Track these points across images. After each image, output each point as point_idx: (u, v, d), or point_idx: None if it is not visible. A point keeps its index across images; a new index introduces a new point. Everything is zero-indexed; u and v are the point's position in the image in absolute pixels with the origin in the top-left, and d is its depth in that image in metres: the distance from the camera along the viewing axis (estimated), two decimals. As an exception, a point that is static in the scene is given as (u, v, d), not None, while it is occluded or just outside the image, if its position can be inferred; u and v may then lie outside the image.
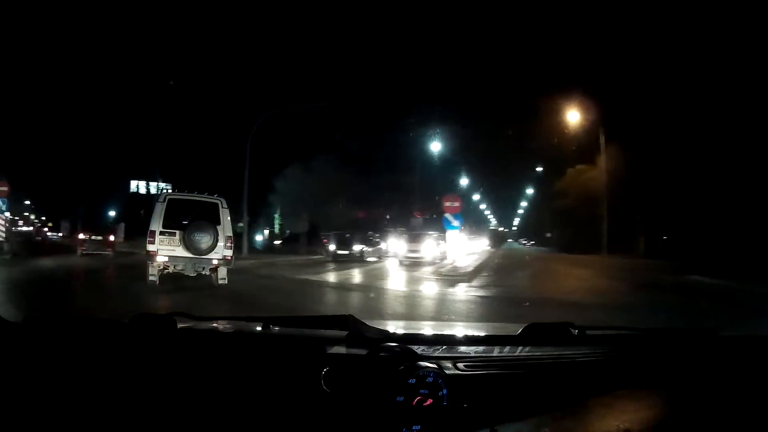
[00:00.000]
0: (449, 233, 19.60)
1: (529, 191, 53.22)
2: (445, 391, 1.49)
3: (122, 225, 30.31)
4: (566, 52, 33.79)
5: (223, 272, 10.88)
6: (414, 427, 1.44)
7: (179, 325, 1.80)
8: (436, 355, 1.68)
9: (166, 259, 10.61)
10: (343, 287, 13.94)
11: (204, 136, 33.92)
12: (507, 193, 54.70)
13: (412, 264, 22.77)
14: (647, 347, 1.90)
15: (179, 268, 10.81)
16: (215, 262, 10.82)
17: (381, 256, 29.03)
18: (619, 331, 2.01)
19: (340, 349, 1.66)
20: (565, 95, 27.51)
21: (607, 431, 1.37)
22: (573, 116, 28.33)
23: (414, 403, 1.47)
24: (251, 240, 35.00)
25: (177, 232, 10.67)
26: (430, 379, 1.50)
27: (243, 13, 34.00)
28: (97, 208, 40.02)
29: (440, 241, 25.31)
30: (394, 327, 2.15)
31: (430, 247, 24.92)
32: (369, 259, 26.88)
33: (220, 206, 11.22)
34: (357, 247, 26.91)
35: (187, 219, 10.79)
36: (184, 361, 1.62)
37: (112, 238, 23.10)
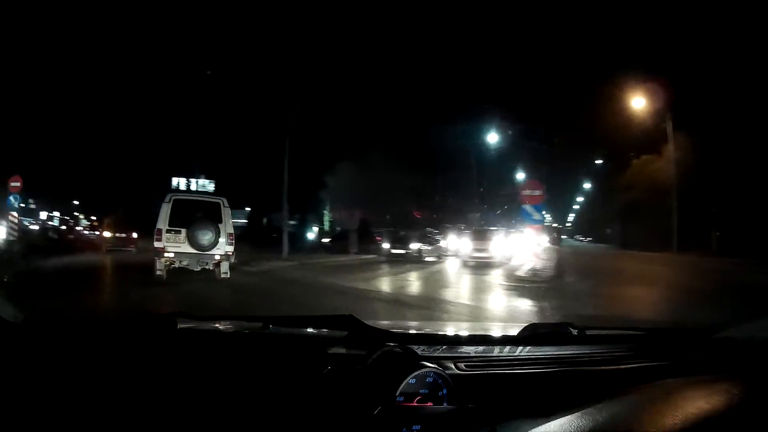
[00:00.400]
0: (529, 228, 17.26)
1: (586, 186, 50.50)
2: (445, 391, 1.60)
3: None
4: (628, 35, 31.44)
5: (225, 267, 12.57)
6: (414, 427, 1.52)
7: (179, 326, 1.90)
8: (436, 355, 1.80)
9: (173, 255, 12.24)
10: (400, 301, 12.03)
11: (245, 130, 33.48)
12: (561, 188, 52.17)
13: (480, 265, 21.38)
14: (647, 347, 1.97)
15: (185, 263, 12.43)
16: (217, 257, 12.45)
17: (440, 255, 27.94)
18: (618, 331, 2.13)
19: (340, 349, 1.77)
20: (626, 81, 25.81)
21: (607, 431, 1.43)
22: (637, 103, 26.14)
23: (414, 403, 1.57)
24: (301, 238, 33.82)
25: (182, 230, 12.24)
26: (430, 379, 1.60)
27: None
28: (141, 206, 40.03)
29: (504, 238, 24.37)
30: (395, 327, 2.24)
31: (499, 245, 23.35)
32: (427, 259, 25.92)
33: (221, 205, 12.90)
34: (414, 246, 26.23)
35: (191, 218, 12.41)
36: (184, 361, 1.71)
37: (135, 235, 25.32)
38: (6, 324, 1.75)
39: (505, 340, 2.06)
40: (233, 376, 1.62)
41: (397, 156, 33.54)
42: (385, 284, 15.33)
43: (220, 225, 12.38)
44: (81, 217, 56.40)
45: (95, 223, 45.06)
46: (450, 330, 2.98)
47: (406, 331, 2.33)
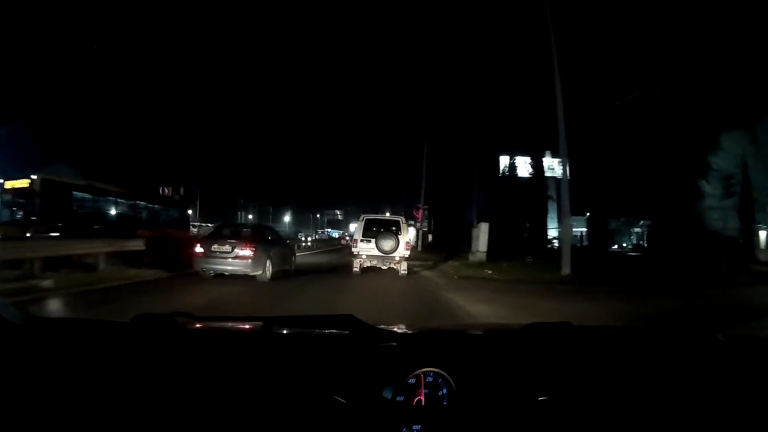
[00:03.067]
0: None
1: None
2: (445, 391, 1.56)
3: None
4: None
5: (404, 266, 16.54)
6: (414, 427, 1.51)
7: (179, 326, 1.98)
8: (436, 354, 1.72)
9: (365, 257, 16.63)
10: None
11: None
12: None
13: None
14: (647, 347, 1.87)
15: (374, 263, 16.76)
16: (398, 258, 16.51)
17: None
18: (619, 331, 2.05)
19: (341, 349, 1.76)
20: None
21: (607, 430, 1.38)
22: None
23: (414, 403, 1.55)
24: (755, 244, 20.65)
25: (372, 239, 16.55)
26: (430, 379, 1.57)
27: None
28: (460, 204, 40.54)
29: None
30: (395, 327, 2.18)
31: None
32: None
33: (400, 222, 17.30)
34: None
35: (378, 230, 16.77)
36: (184, 361, 1.69)
37: None
38: (7, 325, 1.76)
39: (506, 340, 2.00)
40: (234, 376, 1.61)
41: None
42: None
43: (399, 236, 16.31)
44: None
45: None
46: (451, 330, 2.87)
47: (407, 331, 2.27)
